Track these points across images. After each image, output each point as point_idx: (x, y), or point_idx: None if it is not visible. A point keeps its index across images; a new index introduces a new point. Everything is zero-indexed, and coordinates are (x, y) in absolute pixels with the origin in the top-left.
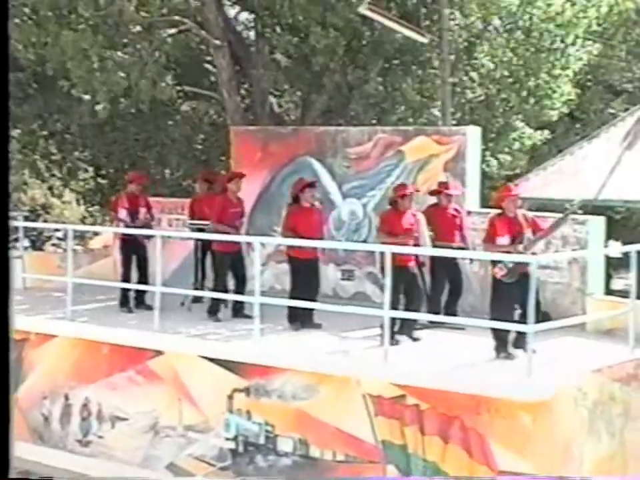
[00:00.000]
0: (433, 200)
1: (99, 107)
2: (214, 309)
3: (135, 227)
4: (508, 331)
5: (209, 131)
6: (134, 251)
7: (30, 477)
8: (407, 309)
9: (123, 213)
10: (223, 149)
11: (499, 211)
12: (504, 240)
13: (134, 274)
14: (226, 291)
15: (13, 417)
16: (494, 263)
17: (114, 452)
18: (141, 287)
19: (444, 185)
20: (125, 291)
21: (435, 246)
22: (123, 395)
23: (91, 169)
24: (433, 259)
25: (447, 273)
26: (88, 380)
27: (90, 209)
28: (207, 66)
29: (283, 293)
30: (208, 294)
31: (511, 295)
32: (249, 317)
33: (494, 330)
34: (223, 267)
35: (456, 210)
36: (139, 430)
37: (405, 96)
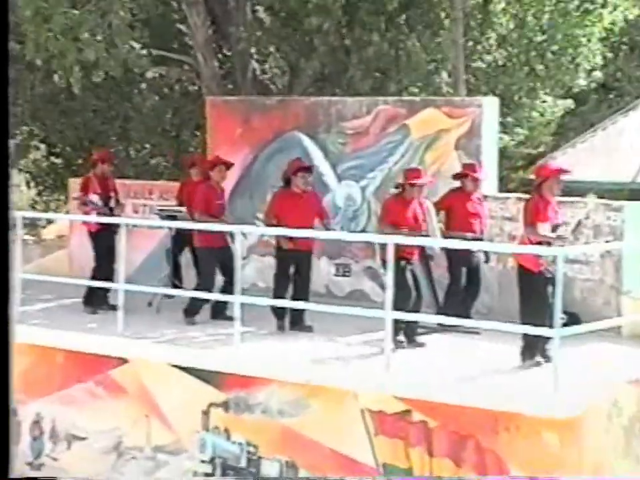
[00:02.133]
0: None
1: (58, 75)
2: (193, 309)
3: (109, 215)
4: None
5: (180, 102)
6: (111, 243)
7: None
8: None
9: (94, 198)
10: (197, 122)
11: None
12: (545, 227)
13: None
14: (210, 291)
15: (14, 418)
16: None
17: (70, 476)
18: (102, 284)
19: (470, 167)
20: (91, 288)
21: (453, 237)
22: (80, 410)
23: (42, 146)
24: (450, 252)
25: (466, 269)
26: (40, 393)
27: (43, 192)
28: (179, 25)
29: (267, 290)
30: (182, 292)
31: (543, 293)
32: (230, 318)
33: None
34: (208, 264)
35: (480, 197)
36: (99, 451)
37: (410, 61)
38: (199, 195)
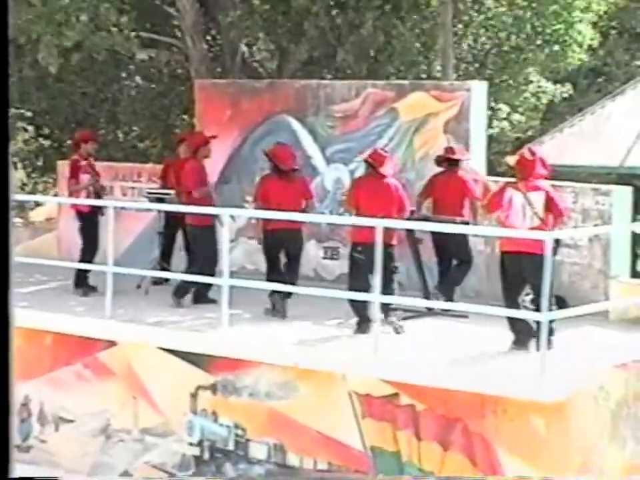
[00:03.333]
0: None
1: (40, 57)
2: (182, 290)
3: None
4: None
5: (169, 85)
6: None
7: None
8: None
9: (86, 178)
10: (186, 105)
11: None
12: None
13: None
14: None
15: (14, 416)
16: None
17: (58, 458)
18: (90, 267)
19: (450, 150)
20: (81, 270)
21: (439, 221)
22: (68, 393)
23: (30, 128)
24: (436, 236)
25: (454, 253)
26: (28, 375)
27: (32, 174)
28: (168, 8)
29: (255, 273)
30: (170, 274)
31: (521, 276)
32: (213, 301)
33: (510, 319)
34: (207, 241)
35: (464, 179)
36: (87, 433)
37: (400, 45)
38: (192, 173)
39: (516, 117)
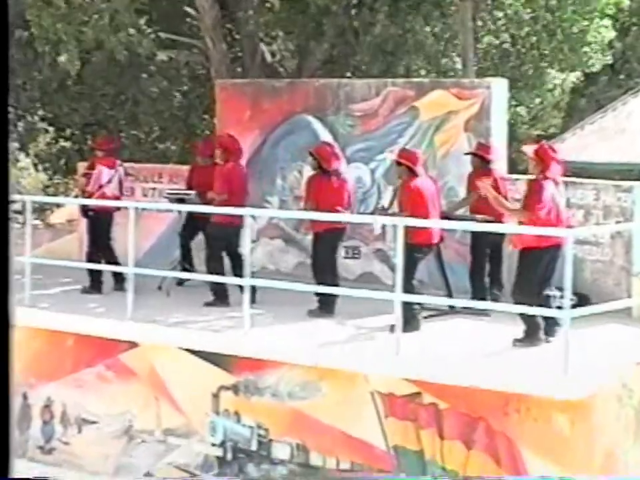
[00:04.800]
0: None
1: (61, 59)
2: (221, 292)
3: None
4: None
5: (189, 85)
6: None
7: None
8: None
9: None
10: (207, 105)
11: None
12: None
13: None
14: (222, 271)
15: (14, 416)
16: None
17: (81, 460)
18: (113, 268)
19: (484, 149)
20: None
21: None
22: (91, 394)
23: (51, 129)
24: (474, 236)
25: (489, 253)
26: (50, 377)
27: (53, 176)
28: (187, 9)
29: (276, 273)
30: (191, 275)
31: (539, 273)
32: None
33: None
34: (218, 241)
35: (500, 178)
36: (110, 435)
37: (419, 42)
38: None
39: (536, 114)
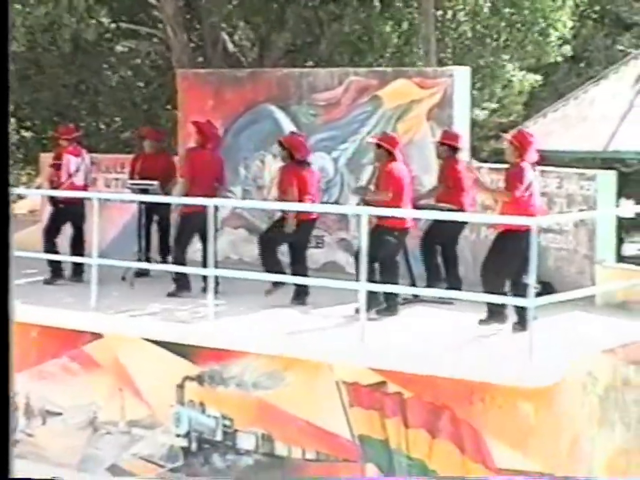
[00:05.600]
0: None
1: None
2: (182, 282)
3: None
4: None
5: (151, 75)
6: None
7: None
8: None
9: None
10: (168, 95)
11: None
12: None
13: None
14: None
15: (14, 417)
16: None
17: (46, 452)
18: (76, 259)
19: (451, 137)
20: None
21: (435, 208)
22: (55, 386)
23: (12, 120)
24: (434, 223)
25: (446, 242)
26: (14, 368)
27: (13, 167)
28: None
29: (239, 263)
30: (155, 266)
31: (517, 256)
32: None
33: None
34: (187, 229)
35: (464, 166)
36: (74, 426)
37: (384, 34)
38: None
39: (497, 102)
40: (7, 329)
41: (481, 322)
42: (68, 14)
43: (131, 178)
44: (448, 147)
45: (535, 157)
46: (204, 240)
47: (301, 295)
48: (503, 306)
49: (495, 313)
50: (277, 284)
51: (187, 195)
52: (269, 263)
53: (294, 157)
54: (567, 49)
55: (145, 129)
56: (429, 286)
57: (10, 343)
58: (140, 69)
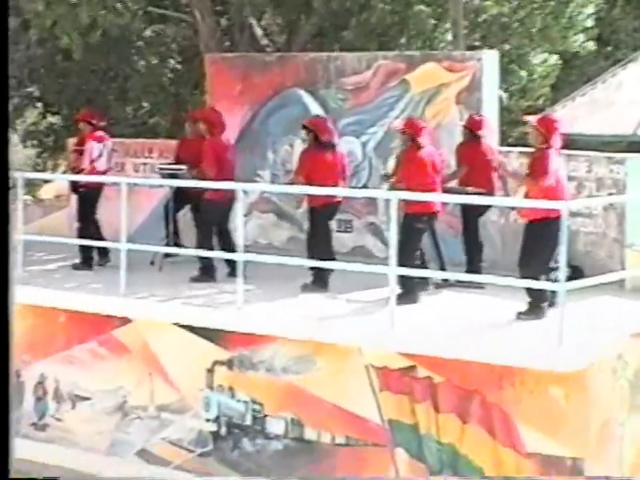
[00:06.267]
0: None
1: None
2: (208, 268)
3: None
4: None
5: (179, 60)
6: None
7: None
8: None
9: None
10: (196, 80)
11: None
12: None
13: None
14: (212, 247)
15: (13, 417)
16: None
17: (75, 437)
18: (106, 244)
19: (475, 124)
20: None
21: (462, 192)
22: (84, 371)
23: (39, 105)
24: (464, 207)
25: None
26: (43, 353)
27: (42, 153)
28: None
29: (268, 248)
30: (184, 251)
31: (549, 244)
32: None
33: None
34: (213, 217)
35: (490, 149)
36: (103, 411)
37: (416, 17)
38: (210, 151)
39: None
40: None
41: (520, 315)
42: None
43: (176, 163)
44: (470, 131)
45: (559, 142)
46: (225, 228)
47: (319, 279)
48: (543, 300)
49: (535, 306)
50: (317, 284)
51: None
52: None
53: (319, 139)
54: (592, 30)
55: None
56: (469, 271)
57: (10, 343)
58: (168, 53)
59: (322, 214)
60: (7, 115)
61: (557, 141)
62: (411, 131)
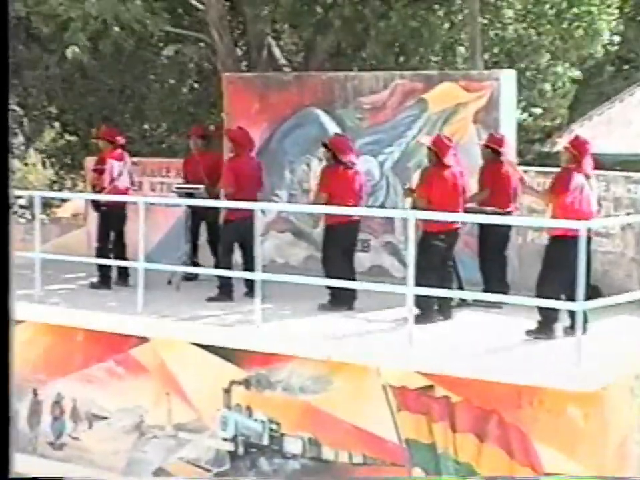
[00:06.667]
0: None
1: (69, 52)
2: (227, 287)
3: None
4: (555, 310)
5: (196, 79)
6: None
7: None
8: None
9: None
10: (214, 99)
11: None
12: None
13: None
14: (231, 266)
15: (13, 417)
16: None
17: (92, 456)
18: (122, 263)
19: (496, 141)
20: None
21: (481, 212)
22: (101, 390)
23: (57, 125)
24: (482, 228)
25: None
26: (60, 372)
27: (59, 171)
28: (193, 1)
29: (285, 267)
30: (201, 270)
31: (561, 271)
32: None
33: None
34: (229, 236)
35: (512, 168)
36: (120, 430)
37: (429, 36)
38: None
39: (543, 105)
40: (7, 330)
41: (529, 332)
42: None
43: (185, 180)
44: (492, 150)
45: (590, 164)
46: (244, 248)
47: (348, 299)
48: (553, 320)
49: (544, 325)
50: (334, 303)
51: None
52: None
53: (338, 159)
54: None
55: (193, 128)
56: (485, 291)
57: (10, 344)
58: (185, 73)
59: (339, 232)
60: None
61: (588, 162)
62: (437, 149)
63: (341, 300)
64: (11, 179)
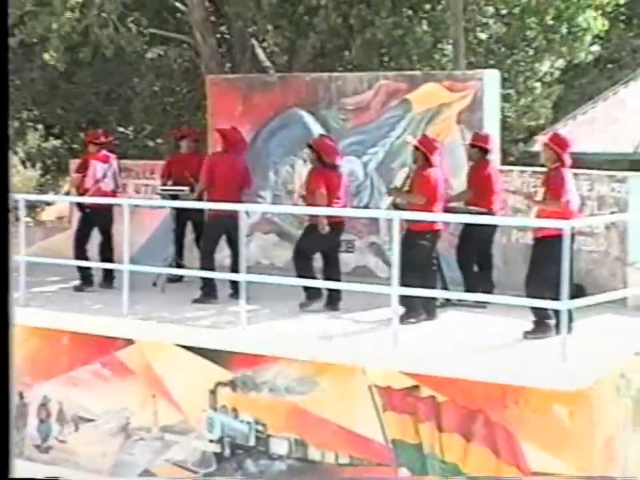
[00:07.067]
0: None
1: (47, 57)
2: (210, 289)
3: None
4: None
5: (180, 82)
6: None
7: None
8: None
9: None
10: (198, 101)
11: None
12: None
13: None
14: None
15: (13, 417)
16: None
17: (78, 458)
18: (107, 266)
19: (482, 139)
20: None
21: (465, 212)
22: (87, 392)
23: (41, 128)
24: (466, 227)
25: (480, 246)
26: (46, 375)
27: (45, 174)
28: (176, 4)
29: (270, 268)
30: (186, 272)
31: (549, 269)
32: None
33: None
34: (214, 233)
35: (495, 169)
36: (107, 432)
37: (417, 38)
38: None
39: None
40: (7, 330)
41: (527, 334)
42: (108, 26)
43: (167, 179)
44: (479, 149)
45: (570, 160)
46: (231, 244)
47: (333, 300)
48: (548, 318)
49: (541, 325)
50: (312, 297)
51: (208, 200)
52: (305, 275)
53: (323, 160)
54: (595, 48)
55: (185, 129)
56: (467, 291)
57: (10, 343)
58: (169, 75)
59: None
60: (7, 136)
61: (568, 159)
62: (425, 149)
63: (316, 292)
64: (10, 184)
